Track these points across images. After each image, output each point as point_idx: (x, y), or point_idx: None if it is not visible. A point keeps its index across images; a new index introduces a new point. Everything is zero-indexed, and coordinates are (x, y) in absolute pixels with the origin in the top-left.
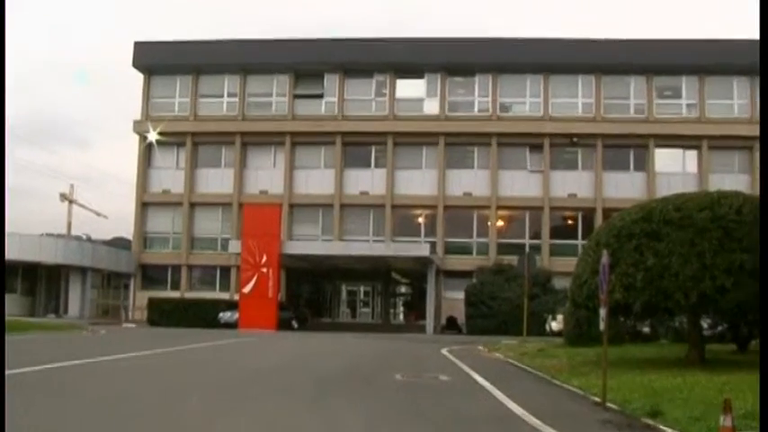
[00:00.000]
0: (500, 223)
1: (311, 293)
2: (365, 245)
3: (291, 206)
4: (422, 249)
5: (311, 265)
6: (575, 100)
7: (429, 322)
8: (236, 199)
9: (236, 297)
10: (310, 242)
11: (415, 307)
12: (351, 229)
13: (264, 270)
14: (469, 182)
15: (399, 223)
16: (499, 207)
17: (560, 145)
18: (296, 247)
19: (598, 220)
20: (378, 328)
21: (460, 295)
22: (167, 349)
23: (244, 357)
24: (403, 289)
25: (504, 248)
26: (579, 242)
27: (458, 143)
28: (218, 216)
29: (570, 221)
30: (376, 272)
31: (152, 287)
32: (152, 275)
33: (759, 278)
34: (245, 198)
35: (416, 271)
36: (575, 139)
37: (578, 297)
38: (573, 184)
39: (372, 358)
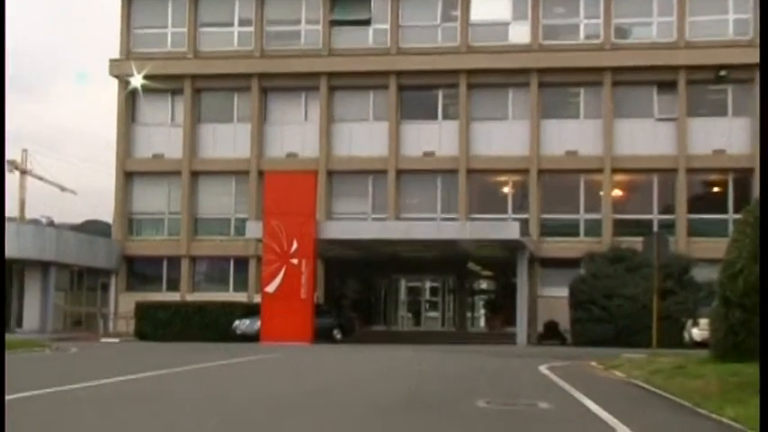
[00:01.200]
0: (617, 192)
1: (359, 292)
2: (432, 225)
3: (330, 174)
4: (509, 230)
5: (359, 254)
6: (724, 17)
7: (520, 329)
8: (255, 165)
9: (257, 299)
10: (357, 222)
11: (502, 309)
12: (412, 204)
13: (295, 262)
14: (574, 136)
15: (478, 195)
16: (616, 170)
17: (701, 82)
18: (337, 230)
19: (756, 185)
20: (450, 339)
21: (563, 292)
22: (148, 374)
23: (260, 383)
24: (484, 285)
25: (623, 227)
26: (730, 216)
27: (557, 83)
28: (231, 189)
29: (717, 188)
30: (447, 262)
31: (141, 288)
32: (141, 272)
33: (759, 278)
34: (267, 164)
35: (502, 260)
36: (723, 73)
37: (731, 293)
38: (719, 136)
39: (445, 379)
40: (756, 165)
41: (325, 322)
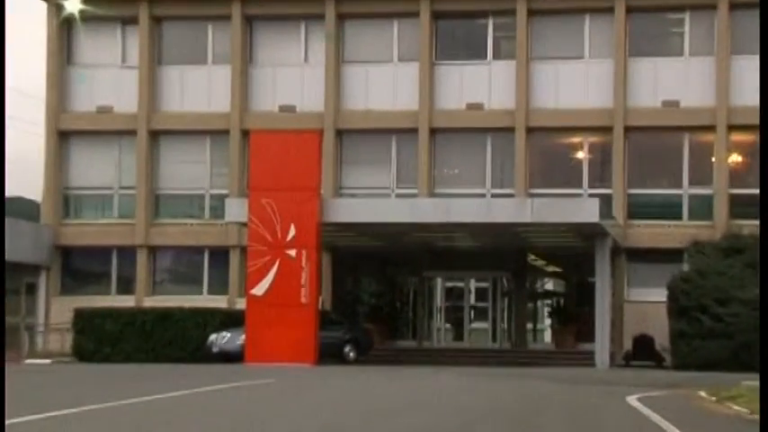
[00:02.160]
0: (735, 158)
1: (379, 296)
2: (478, 204)
3: (340, 134)
4: (585, 210)
5: (378, 244)
6: None
7: (600, 346)
8: (237, 123)
9: (241, 305)
10: (376, 200)
11: (574, 319)
12: (451, 175)
13: (293, 254)
14: (675, 81)
15: (542, 162)
16: (733, 127)
17: None
18: (350, 211)
19: None
20: (505, 359)
21: (659, 296)
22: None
23: None
24: (550, 285)
25: (742, 206)
26: None
27: (652, 7)
28: (205, 155)
29: None
30: (499, 254)
31: (81, 290)
32: (81, 268)
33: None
34: (254, 121)
35: (575, 251)
36: None
37: None
38: None
39: (500, 421)
40: None
41: (333, 336)
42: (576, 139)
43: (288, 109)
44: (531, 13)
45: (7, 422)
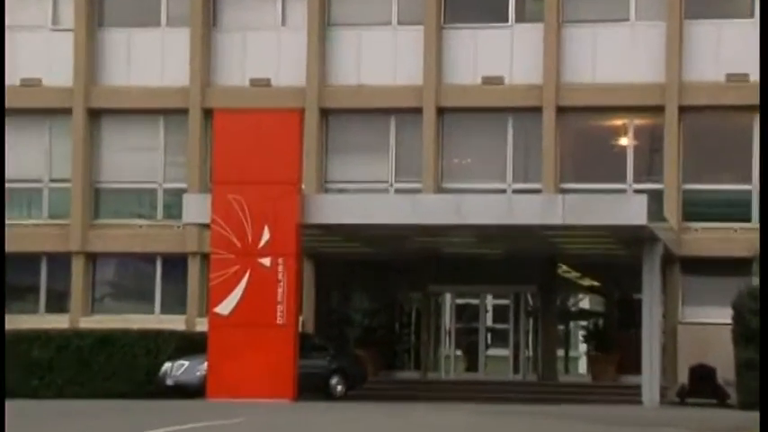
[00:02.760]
0: None
1: (373, 315)
2: (496, 201)
3: (325, 114)
4: (630, 209)
5: (373, 251)
6: None
7: (649, 379)
8: (198, 100)
9: (202, 326)
10: (370, 196)
11: (616, 345)
12: (463, 165)
13: (266, 263)
14: (738, 49)
15: (576, 150)
16: None
17: None
18: (337, 209)
19: None
20: (530, 393)
21: (722, 316)
22: None
23: None
24: (586, 302)
25: None
26: None
27: None
28: (158, 140)
29: None
30: (523, 263)
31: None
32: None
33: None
34: (219, 98)
35: (618, 261)
36: None
37: None
38: None
39: None
40: None
41: (316, 365)
42: (618, 122)
43: (261, 83)
44: None
45: None
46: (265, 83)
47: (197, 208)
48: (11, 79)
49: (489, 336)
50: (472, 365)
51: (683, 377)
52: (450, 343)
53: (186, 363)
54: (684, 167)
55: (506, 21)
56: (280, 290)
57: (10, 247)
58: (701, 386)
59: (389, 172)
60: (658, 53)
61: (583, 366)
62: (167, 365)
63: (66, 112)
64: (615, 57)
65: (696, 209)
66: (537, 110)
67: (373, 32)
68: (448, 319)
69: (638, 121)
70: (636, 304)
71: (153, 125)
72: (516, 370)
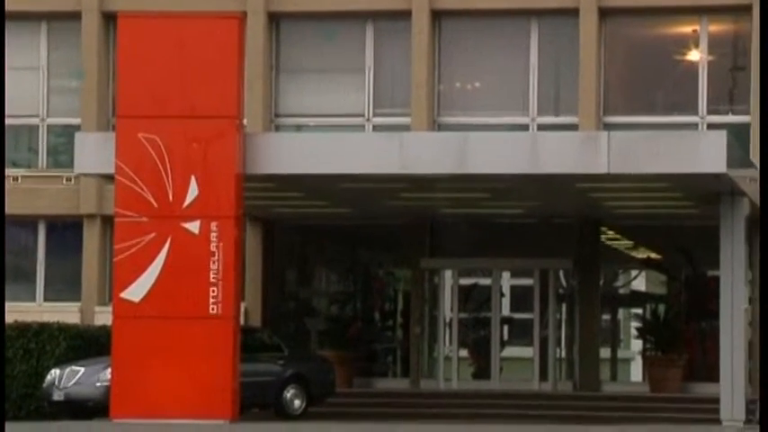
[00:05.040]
0: None
1: (344, 301)
2: (515, 141)
3: (275, 19)
4: (702, 152)
5: (344, 213)
6: None
7: (730, 389)
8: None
9: (104, 318)
10: (338, 135)
11: (683, 340)
12: (467, 91)
13: (193, 228)
14: None
15: (624, 69)
16: None
17: None
18: (293, 153)
19: None
20: (562, 407)
21: None
22: None
23: None
24: (641, 282)
25: None
26: None
27: None
28: (38, 55)
29: None
30: (552, 228)
31: None
32: None
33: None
34: None
35: (684, 224)
36: None
37: None
38: None
39: None
40: None
41: (265, 372)
42: (685, 28)
43: None
44: None
45: None
46: None
47: (95, 152)
48: None
49: (506, 329)
50: (482, 371)
51: None
52: (452, 340)
53: (81, 369)
54: None
55: None
56: (213, 267)
57: None
58: None
59: (365, 101)
60: None
61: (636, 371)
62: (55, 373)
63: None
64: None
65: None
66: (572, 12)
67: None
68: (448, 307)
69: (714, 27)
70: (711, 285)
71: (31, 34)
72: (544, 377)
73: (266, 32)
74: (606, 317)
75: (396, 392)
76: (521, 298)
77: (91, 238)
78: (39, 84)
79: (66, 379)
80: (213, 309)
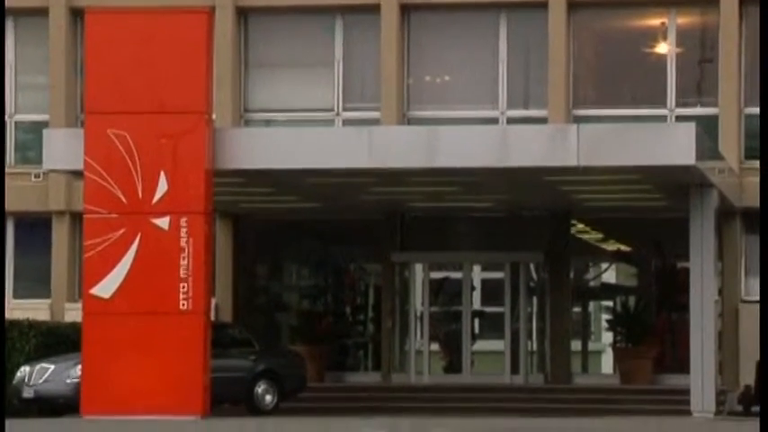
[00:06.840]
0: None
1: (315, 296)
2: (485, 135)
3: (243, 14)
4: (671, 144)
5: (314, 207)
6: None
7: (700, 380)
8: None
9: (74, 315)
10: (308, 130)
11: (653, 332)
12: (438, 84)
13: (163, 224)
14: None
15: (594, 61)
16: None
17: None
18: (263, 148)
19: None
20: (533, 401)
21: None
22: None
23: None
24: (611, 275)
25: None
26: None
27: None
28: (6, 51)
29: None
30: (523, 221)
31: None
32: None
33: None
34: None
35: (654, 216)
36: None
37: None
38: None
39: None
40: None
41: (236, 367)
42: (654, 21)
43: None
44: None
45: None
46: None
47: (63, 149)
48: None
49: (477, 323)
50: (454, 364)
51: (749, 378)
52: (423, 333)
53: (51, 366)
54: (747, 85)
55: None
56: (183, 263)
57: None
58: None
59: (335, 96)
60: None
61: (608, 364)
62: (24, 370)
63: None
64: None
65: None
66: (541, 6)
67: None
68: (419, 301)
69: (683, 20)
70: (681, 276)
71: None
72: (515, 370)
73: (235, 27)
74: (577, 309)
75: (367, 387)
76: (492, 291)
77: (60, 234)
78: (6, 80)
79: (37, 376)
80: (183, 304)
